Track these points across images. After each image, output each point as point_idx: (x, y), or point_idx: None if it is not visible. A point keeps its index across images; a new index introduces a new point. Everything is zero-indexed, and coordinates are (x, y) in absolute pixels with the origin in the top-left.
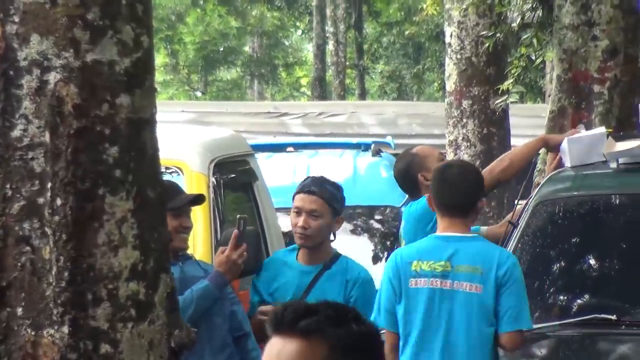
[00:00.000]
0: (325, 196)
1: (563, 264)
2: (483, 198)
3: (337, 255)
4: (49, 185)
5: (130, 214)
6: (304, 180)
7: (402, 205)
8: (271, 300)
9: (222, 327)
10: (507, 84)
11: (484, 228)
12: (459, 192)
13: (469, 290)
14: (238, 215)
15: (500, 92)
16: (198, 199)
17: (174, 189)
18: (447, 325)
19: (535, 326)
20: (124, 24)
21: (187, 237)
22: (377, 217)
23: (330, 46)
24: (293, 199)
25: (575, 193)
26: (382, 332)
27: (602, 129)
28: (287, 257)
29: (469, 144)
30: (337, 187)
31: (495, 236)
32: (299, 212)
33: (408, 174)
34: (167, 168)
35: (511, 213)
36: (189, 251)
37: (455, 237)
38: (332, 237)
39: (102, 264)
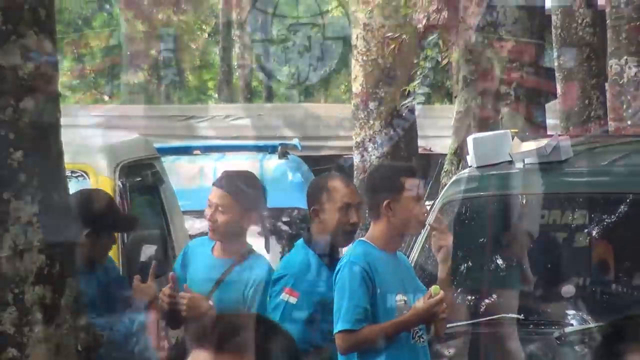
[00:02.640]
0: (231, 190)
1: (470, 264)
2: (386, 200)
3: (250, 252)
4: None
5: (35, 218)
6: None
7: None
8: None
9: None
10: (413, 85)
11: None
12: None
13: None
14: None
15: (406, 93)
16: None
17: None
18: None
19: None
20: (27, 28)
21: None
22: (284, 219)
23: (236, 49)
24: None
25: (482, 193)
26: None
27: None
28: (206, 245)
29: (375, 145)
30: (249, 181)
31: None
32: (209, 204)
33: None
34: (72, 172)
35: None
36: None
37: None
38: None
39: (7, 268)
